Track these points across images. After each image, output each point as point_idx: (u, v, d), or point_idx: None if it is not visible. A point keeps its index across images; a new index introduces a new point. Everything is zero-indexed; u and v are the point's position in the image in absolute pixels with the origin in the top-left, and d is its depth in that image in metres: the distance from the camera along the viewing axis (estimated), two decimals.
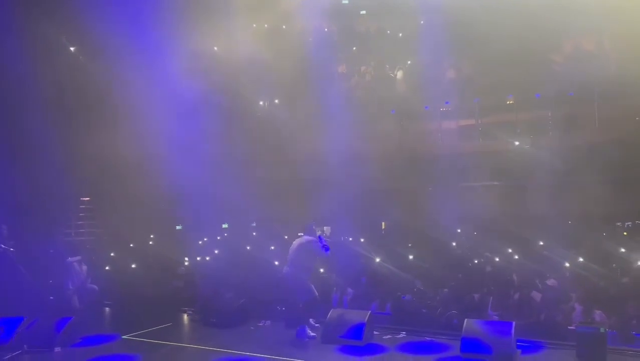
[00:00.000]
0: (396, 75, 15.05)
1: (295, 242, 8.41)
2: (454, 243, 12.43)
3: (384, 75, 15.13)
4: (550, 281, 8.86)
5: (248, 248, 12.54)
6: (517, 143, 12.87)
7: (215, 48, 14.54)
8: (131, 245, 13.32)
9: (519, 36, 12.01)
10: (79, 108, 13.27)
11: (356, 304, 9.31)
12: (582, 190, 12.09)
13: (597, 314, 7.81)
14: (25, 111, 12.08)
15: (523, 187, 12.82)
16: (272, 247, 12.34)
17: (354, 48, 14.03)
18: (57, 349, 7.66)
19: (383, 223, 16.20)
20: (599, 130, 12.36)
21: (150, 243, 13.91)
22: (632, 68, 11.08)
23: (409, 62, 14.71)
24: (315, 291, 8.15)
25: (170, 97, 12.50)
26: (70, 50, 14.07)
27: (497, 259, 10.92)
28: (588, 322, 7.29)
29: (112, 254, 12.54)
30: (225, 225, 15.29)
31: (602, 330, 6.70)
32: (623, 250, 10.45)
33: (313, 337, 7.94)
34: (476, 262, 11.04)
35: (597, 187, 11.85)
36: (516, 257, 11.01)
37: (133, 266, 11.73)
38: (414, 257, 11.20)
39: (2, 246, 9.44)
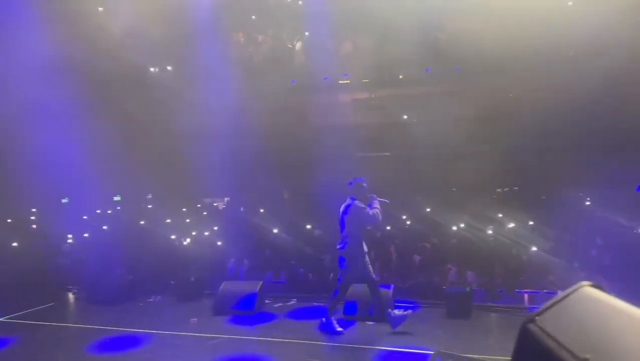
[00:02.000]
0: (295, 46, 15.03)
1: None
2: None
3: (283, 45, 15.04)
4: (429, 245, 9.53)
5: (142, 222, 12.13)
6: (405, 117, 13.53)
7: (100, 9, 13.53)
8: (9, 221, 12.32)
9: (412, 13, 12.46)
10: None
11: (252, 275, 9.44)
12: (466, 160, 13.07)
13: (469, 275, 8.57)
14: None
15: (413, 157, 13.54)
16: (168, 220, 12.09)
17: (253, 17, 13.72)
18: None
19: (285, 193, 16.42)
20: (481, 104, 13.31)
21: (32, 218, 12.96)
22: (508, 46, 11.96)
23: (307, 33, 14.73)
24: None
25: (49, 64, 11.50)
26: None
27: (388, 228, 11.55)
28: (459, 282, 8.01)
29: None
30: (117, 198, 14.64)
31: (467, 289, 7.41)
32: (500, 214, 11.49)
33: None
34: (369, 228, 11.56)
35: (479, 156, 12.88)
36: (408, 222, 11.70)
37: (14, 244, 10.89)
38: (311, 226, 11.51)
39: None
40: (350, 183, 6.80)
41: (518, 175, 13.14)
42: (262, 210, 13.09)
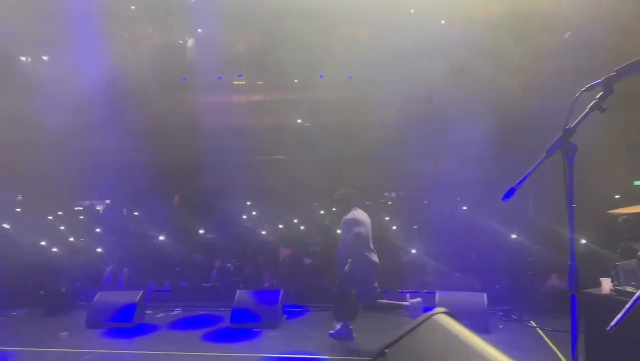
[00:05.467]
0: (186, 42, 14.47)
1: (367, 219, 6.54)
2: (244, 216, 12.72)
3: (173, 41, 14.42)
4: (316, 249, 9.65)
5: (6, 226, 10.91)
6: (299, 120, 13.65)
7: None
8: None
9: (306, 17, 12.54)
10: None
11: (132, 283, 8.88)
12: (355, 164, 13.48)
13: None
14: None
15: (305, 161, 13.65)
16: (39, 224, 10.99)
17: (132, 7, 12.93)
18: None
19: (176, 196, 15.77)
20: (370, 112, 13.77)
21: None
22: (393, 57, 12.49)
23: (199, 30, 14.24)
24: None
25: None
26: None
27: (280, 226, 11.56)
28: None
29: None
30: None
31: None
32: (387, 218, 11.98)
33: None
34: (264, 233, 11.48)
35: (367, 162, 13.33)
36: (302, 227, 11.77)
37: None
38: (204, 231, 11.13)
39: None
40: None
41: (403, 180, 13.78)
42: (146, 215, 12.42)
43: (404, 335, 1.14)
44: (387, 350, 1.10)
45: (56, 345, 6.56)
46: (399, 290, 8.48)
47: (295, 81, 13.99)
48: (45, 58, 13.50)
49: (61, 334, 7.01)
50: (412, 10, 12.26)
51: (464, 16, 10.78)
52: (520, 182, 2.73)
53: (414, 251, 9.12)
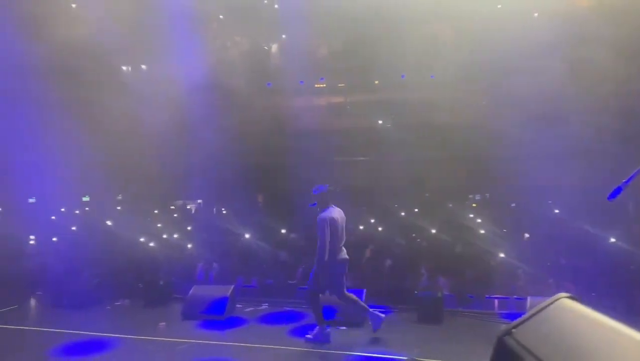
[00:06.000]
0: (270, 48, 14.97)
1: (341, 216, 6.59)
2: None
3: (259, 47, 14.97)
4: (398, 250, 9.57)
5: (109, 223, 11.85)
6: (380, 121, 13.64)
7: (74, 5, 13.22)
8: None
9: (388, 19, 12.55)
10: None
11: (222, 279, 9.30)
12: (439, 166, 13.24)
13: (440, 279, 8.64)
14: None
15: (387, 163, 13.62)
16: (138, 222, 11.84)
17: (221, 16, 13.60)
18: None
19: (259, 196, 16.30)
20: (454, 112, 13.49)
21: None
22: (478, 54, 12.15)
23: (283, 35, 14.69)
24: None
25: (17, 58, 11.17)
26: None
27: (361, 227, 11.58)
28: (430, 287, 8.06)
29: None
30: (86, 198, 14.28)
31: (439, 294, 7.46)
32: (471, 220, 11.65)
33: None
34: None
35: (451, 163, 13.06)
36: (380, 228, 11.73)
37: None
38: (286, 231, 11.43)
39: None
40: (317, 191, 6.56)
41: (489, 182, 13.35)
42: (233, 214, 12.96)
43: (531, 317, 1.15)
44: (514, 330, 1.12)
45: (155, 334, 7.04)
46: (487, 295, 8.22)
47: (376, 82, 14.03)
48: (143, 67, 14.54)
49: (160, 324, 7.51)
50: (499, 6, 11.85)
51: (557, 8, 10.27)
52: (628, 180, 2.60)
53: (502, 255, 8.79)
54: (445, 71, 13.00)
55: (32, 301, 9.03)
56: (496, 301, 8.12)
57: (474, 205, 15.07)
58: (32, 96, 11.51)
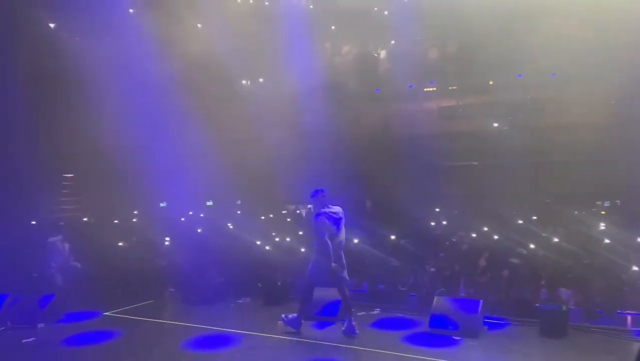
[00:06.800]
0: (380, 54, 15.06)
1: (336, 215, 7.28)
2: (432, 223, 12.67)
3: (368, 54, 15.13)
4: (518, 260, 9.12)
5: (230, 226, 12.70)
6: (495, 124, 13.06)
7: (199, 25, 14.42)
8: (115, 222, 13.40)
9: (502, 16, 12.03)
10: (60, 85, 13.12)
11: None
12: (560, 171, 12.38)
13: (563, 292, 8.10)
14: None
15: (501, 167, 13.02)
16: (255, 225, 12.54)
17: (333, 27, 13.97)
18: (41, 325, 7.84)
19: (367, 202, 16.40)
20: (578, 112, 12.53)
21: (134, 220, 13.99)
22: (605, 51, 11.19)
23: (392, 41, 14.71)
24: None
25: (152, 75, 12.48)
26: (50, 27, 13.85)
27: (474, 235, 11.19)
28: (553, 300, 7.60)
29: (95, 232, 12.62)
30: (210, 203, 15.42)
31: (563, 307, 7.01)
32: (598, 229, 10.72)
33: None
34: (454, 240, 11.28)
35: (574, 167, 12.14)
36: (496, 237, 11.25)
37: (120, 244, 11.78)
38: (395, 237, 11.39)
39: None
40: (316, 194, 7.18)
41: (620, 187, 12.20)
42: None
43: None
44: None
45: (274, 332, 7.43)
46: (618, 311, 7.56)
47: (491, 83, 13.47)
48: (261, 80, 15.41)
49: (278, 323, 7.91)
50: None
51: None
52: None
53: (635, 268, 8.03)
54: (571, 69, 12.09)
55: (166, 297, 9.96)
56: (629, 317, 7.44)
57: (602, 212, 13.83)
58: (164, 109, 12.73)
